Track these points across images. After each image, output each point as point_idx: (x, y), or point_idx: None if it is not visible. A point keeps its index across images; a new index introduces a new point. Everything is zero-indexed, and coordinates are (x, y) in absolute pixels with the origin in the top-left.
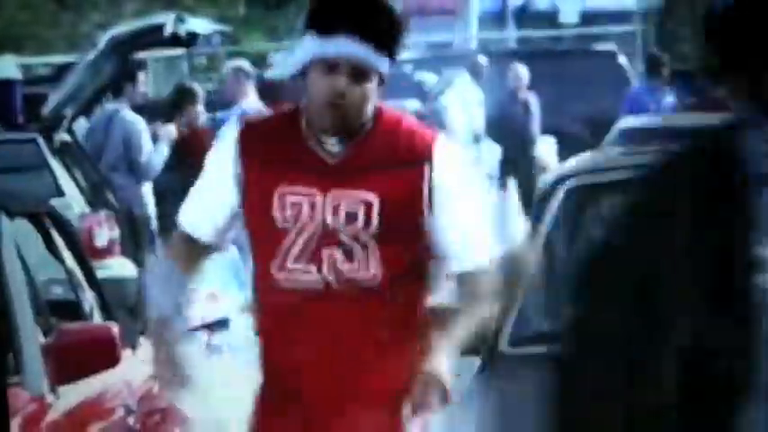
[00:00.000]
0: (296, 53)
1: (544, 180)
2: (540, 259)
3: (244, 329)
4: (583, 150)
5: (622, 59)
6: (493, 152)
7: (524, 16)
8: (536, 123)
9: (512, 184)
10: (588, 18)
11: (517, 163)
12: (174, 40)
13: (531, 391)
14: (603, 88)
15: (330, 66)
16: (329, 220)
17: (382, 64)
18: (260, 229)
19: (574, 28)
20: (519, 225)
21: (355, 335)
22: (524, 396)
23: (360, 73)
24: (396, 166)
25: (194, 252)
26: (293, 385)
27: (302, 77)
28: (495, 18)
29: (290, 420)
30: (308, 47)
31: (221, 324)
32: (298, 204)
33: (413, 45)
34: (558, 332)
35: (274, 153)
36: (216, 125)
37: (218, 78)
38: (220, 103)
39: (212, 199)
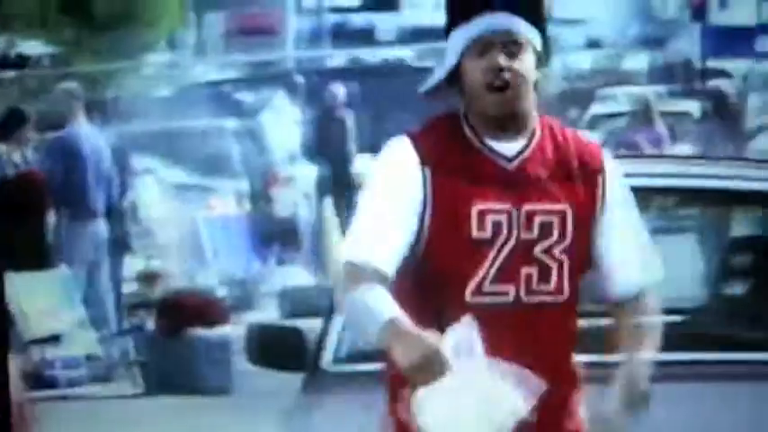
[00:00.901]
0: (447, 55)
1: None
2: None
3: (80, 346)
4: None
5: None
6: (309, 171)
7: (341, 34)
8: (352, 141)
9: (328, 202)
10: (406, 35)
11: (334, 181)
12: (4, 63)
13: (353, 409)
14: (422, 105)
15: (482, 48)
16: (524, 234)
17: (534, 35)
18: (451, 249)
19: (392, 45)
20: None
21: (537, 347)
22: (347, 413)
23: (514, 49)
24: (576, 174)
25: (381, 284)
26: None
27: (451, 85)
28: (313, 37)
29: None
30: (454, 42)
31: (54, 339)
32: (498, 222)
33: (232, 64)
34: (380, 350)
35: (454, 163)
36: (45, 148)
37: (48, 100)
38: (50, 124)
39: (400, 226)
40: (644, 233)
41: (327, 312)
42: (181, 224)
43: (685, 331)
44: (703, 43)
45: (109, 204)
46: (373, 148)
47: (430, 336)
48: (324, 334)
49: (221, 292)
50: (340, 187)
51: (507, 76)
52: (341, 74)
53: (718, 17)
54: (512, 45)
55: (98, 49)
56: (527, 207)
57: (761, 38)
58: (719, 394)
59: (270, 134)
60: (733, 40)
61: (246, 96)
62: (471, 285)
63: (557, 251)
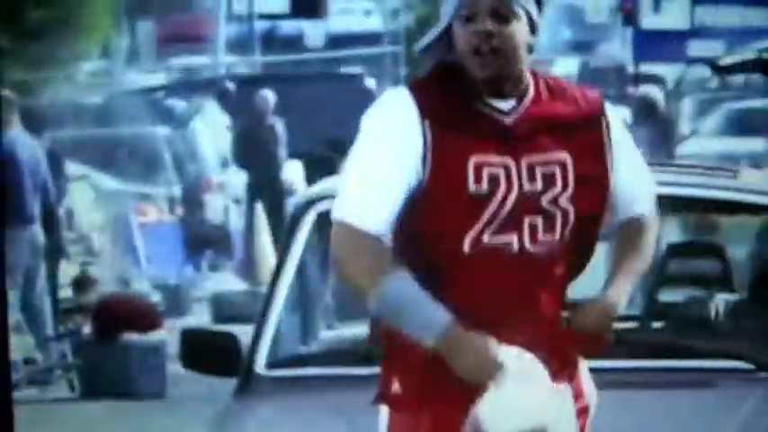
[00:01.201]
0: (441, 15)
1: (294, 203)
2: (294, 282)
3: (18, 350)
4: (331, 173)
5: (369, 82)
6: (240, 177)
7: (271, 41)
8: (282, 147)
9: (259, 207)
10: (336, 41)
11: (265, 187)
12: None
13: (285, 413)
14: (350, 111)
15: (471, 12)
16: (526, 186)
17: (527, 1)
18: (447, 203)
19: (320, 52)
20: None
21: (540, 295)
22: (279, 417)
23: (503, 11)
24: (577, 122)
25: (386, 251)
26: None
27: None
28: (243, 44)
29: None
30: (445, 7)
31: None
32: (495, 175)
33: (164, 71)
34: (313, 354)
35: (453, 118)
36: None
37: None
38: None
39: (398, 181)
40: (648, 173)
41: (259, 317)
42: (115, 230)
43: (622, 339)
44: (635, 48)
45: (44, 210)
46: (302, 154)
47: (486, 341)
48: (256, 338)
49: (155, 297)
50: (270, 193)
51: (496, 42)
52: (270, 80)
53: (650, 21)
54: (502, 9)
55: (31, 57)
56: (527, 160)
57: (693, 42)
58: (656, 402)
59: (201, 140)
60: (665, 45)
61: (178, 103)
62: (469, 238)
63: (562, 200)
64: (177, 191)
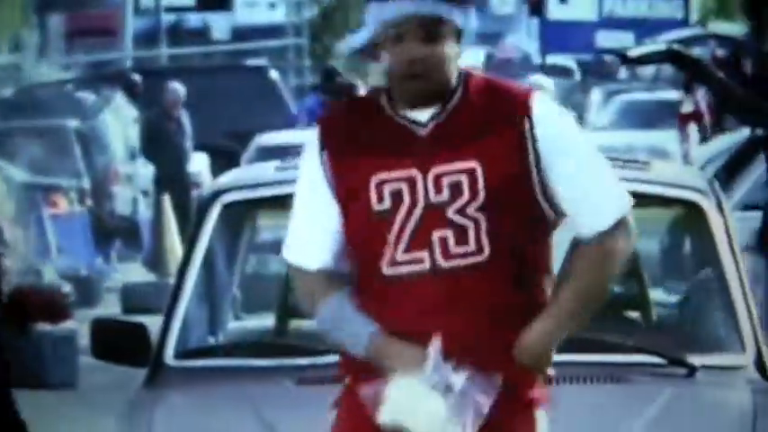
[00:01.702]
0: (362, 29)
1: (200, 195)
2: (201, 274)
3: None
4: (236, 165)
5: (273, 74)
6: (148, 169)
7: (177, 34)
8: (189, 140)
9: (166, 199)
10: (241, 34)
11: (172, 179)
12: None
13: (193, 403)
14: (255, 103)
15: (399, 33)
16: (433, 198)
17: (456, 14)
18: (360, 225)
19: (226, 44)
20: None
21: (463, 311)
22: (190, 407)
23: (433, 32)
24: (491, 127)
25: (333, 280)
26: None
27: (371, 54)
28: (150, 37)
29: None
30: (371, 17)
31: None
32: (397, 190)
33: (73, 65)
34: (220, 345)
35: (360, 140)
36: None
37: None
38: None
39: (325, 220)
40: (597, 172)
41: (167, 308)
42: (26, 222)
43: None
44: (542, 39)
45: None
46: (207, 146)
47: (408, 349)
48: (164, 329)
49: (66, 288)
50: (177, 185)
51: (420, 68)
52: (176, 72)
53: (557, 12)
54: (430, 26)
55: None
56: (434, 170)
57: (602, 33)
58: (567, 396)
59: (110, 132)
60: (573, 36)
61: (87, 96)
62: (385, 258)
63: (471, 210)
64: (87, 183)
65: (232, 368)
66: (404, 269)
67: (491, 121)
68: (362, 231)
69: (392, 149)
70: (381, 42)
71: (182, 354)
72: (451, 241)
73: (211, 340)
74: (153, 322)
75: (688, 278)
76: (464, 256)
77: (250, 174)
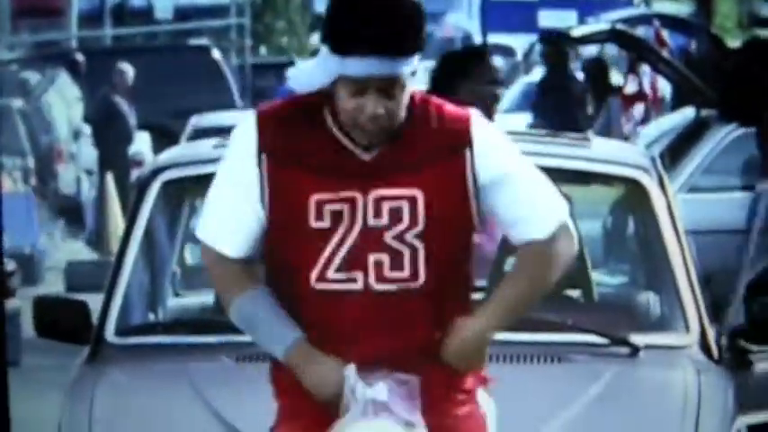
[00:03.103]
0: (316, 68)
1: (141, 173)
2: (141, 251)
3: None
4: (177, 143)
5: (216, 53)
6: (92, 148)
7: (122, 14)
8: (133, 118)
9: (109, 177)
10: (184, 14)
11: (116, 158)
12: None
13: (136, 379)
14: (198, 82)
15: (358, 86)
16: (371, 221)
17: (410, 66)
18: (292, 237)
19: (169, 24)
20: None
21: (396, 336)
22: (131, 384)
23: (392, 87)
24: (436, 156)
25: (250, 270)
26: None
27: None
28: (94, 16)
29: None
30: (331, 66)
31: None
32: (338, 211)
33: (18, 44)
34: (161, 322)
35: (302, 151)
36: None
37: None
38: None
39: (246, 213)
40: (535, 187)
41: (108, 285)
42: None
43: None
44: (483, 18)
45: None
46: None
47: (331, 368)
48: (105, 307)
49: (10, 266)
50: (121, 164)
51: (382, 121)
52: (119, 52)
53: None
54: (389, 83)
55: None
56: (375, 194)
57: (544, 12)
58: (507, 376)
59: (54, 112)
60: (515, 15)
61: (32, 75)
62: (314, 273)
63: (409, 237)
64: (31, 162)
65: (172, 345)
66: (334, 286)
67: (434, 150)
68: (294, 244)
69: (335, 169)
70: (335, 84)
71: (122, 331)
72: (386, 265)
73: (152, 317)
74: (97, 300)
75: (631, 258)
76: (398, 281)
77: (189, 151)
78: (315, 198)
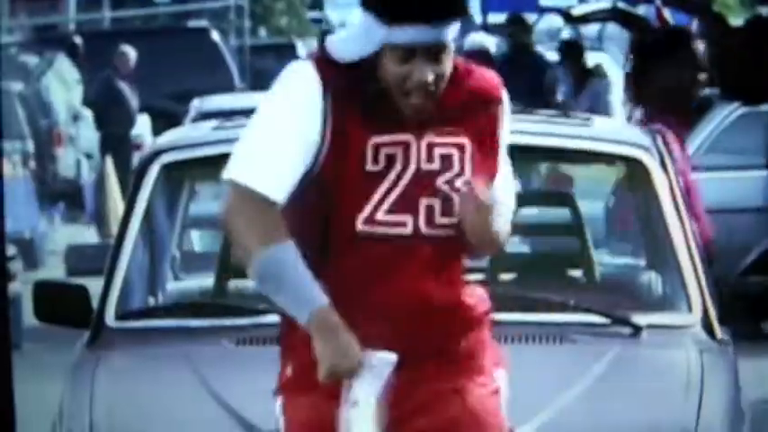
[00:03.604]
0: (359, 38)
1: (141, 155)
2: (141, 234)
3: None
4: (176, 126)
5: (215, 35)
6: (90, 130)
7: None
8: (135, 101)
9: (109, 160)
10: None
11: (118, 141)
12: None
13: (136, 363)
14: (197, 64)
15: (406, 54)
16: (424, 165)
17: (455, 31)
18: (343, 180)
19: (168, 6)
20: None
21: (438, 280)
22: (131, 367)
23: (440, 52)
24: (476, 109)
25: (281, 219)
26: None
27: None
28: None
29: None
30: (376, 35)
31: None
32: (392, 154)
33: (17, 28)
34: (160, 306)
35: (356, 95)
36: None
37: None
38: None
39: (296, 150)
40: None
41: (108, 269)
42: None
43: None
44: None
45: None
46: (149, 108)
47: (353, 344)
48: (105, 291)
49: (10, 250)
50: (123, 147)
51: (431, 88)
52: (118, 35)
53: None
54: (437, 48)
55: None
56: (428, 139)
57: None
58: (508, 356)
59: (53, 95)
60: None
61: (31, 59)
62: (363, 214)
63: (458, 184)
64: (30, 145)
65: (172, 329)
66: (381, 229)
67: (474, 103)
68: (348, 186)
69: (389, 115)
70: (382, 53)
71: (122, 315)
72: (437, 210)
73: (151, 301)
74: (98, 284)
75: (633, 238)
76: (447, 227)
77: (188, 134)
78: (373, 141)
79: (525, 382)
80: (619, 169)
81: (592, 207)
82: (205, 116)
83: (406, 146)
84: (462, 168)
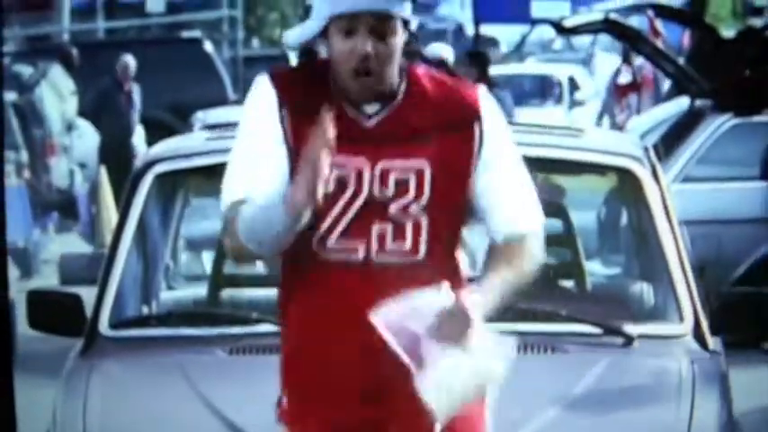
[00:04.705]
0: (309, 20)
1: (135, 165)
2: (134, 244)
3: None
4: (170, 136)
5: (208, 46)
6: (84, 141)
7: (113, 7)
8: (136, 113)
9: (103, 170)
10: (176, 6)
11: (115, 151)
12: None
13: (130, 371)
14: (190, 75)
15: (349, 27)
16: (377, 191)
17: (406, 9)
18: None
19: (161, 17)
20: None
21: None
22: (124, 376)
23: (383, 28)
24: (443, 128)
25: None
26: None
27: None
28: (86, 9)
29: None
30: (322, 8)
31: None
32: (344, 177)
33: (10, 38)
34: (154, 315)
35: (312, 112)
36: None
37: None
38: None
39: (270, 165)
40: (526, 180)
41: (101, 278)
42: None
43: None
44: (475, 8)
45: None
46: (143, 118)
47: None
48: (99, 299)
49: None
50: (119, 157)
51: (373, 64)
52: (111, 45)
53: None
54: (380, 23)
55: None
56: (382, 164)
57: (537, 2)
58: (511, 365)
59: (47, 105)
60: (507, 5)
61: (24, 69)
62: (316, 239)
63: (413, 209)
64: (24, 155)
65: (165, 337)
66: (334, 255)
67: (441, 122)
68: None
69: (343, 134)
70: (328, 31)
71: (116, 323)
72: (389, 237)
73: (145, 310)
74: (92, 293)
75: (625, 249)
76: (399, 253)
77: (181, 144)
78: None
79: (517, 392)
80: (610, 179)
81: (584, 217)
82: (210, 129)
83: (359, 172)
84: (420, 193)
